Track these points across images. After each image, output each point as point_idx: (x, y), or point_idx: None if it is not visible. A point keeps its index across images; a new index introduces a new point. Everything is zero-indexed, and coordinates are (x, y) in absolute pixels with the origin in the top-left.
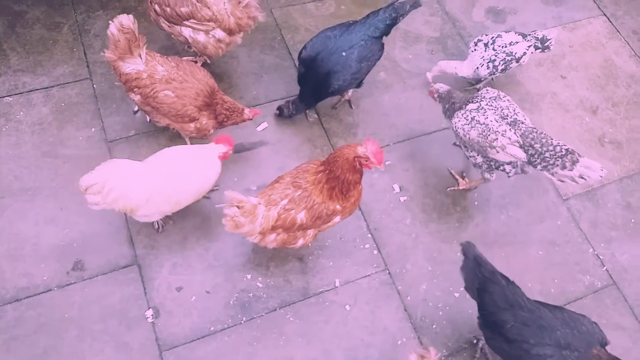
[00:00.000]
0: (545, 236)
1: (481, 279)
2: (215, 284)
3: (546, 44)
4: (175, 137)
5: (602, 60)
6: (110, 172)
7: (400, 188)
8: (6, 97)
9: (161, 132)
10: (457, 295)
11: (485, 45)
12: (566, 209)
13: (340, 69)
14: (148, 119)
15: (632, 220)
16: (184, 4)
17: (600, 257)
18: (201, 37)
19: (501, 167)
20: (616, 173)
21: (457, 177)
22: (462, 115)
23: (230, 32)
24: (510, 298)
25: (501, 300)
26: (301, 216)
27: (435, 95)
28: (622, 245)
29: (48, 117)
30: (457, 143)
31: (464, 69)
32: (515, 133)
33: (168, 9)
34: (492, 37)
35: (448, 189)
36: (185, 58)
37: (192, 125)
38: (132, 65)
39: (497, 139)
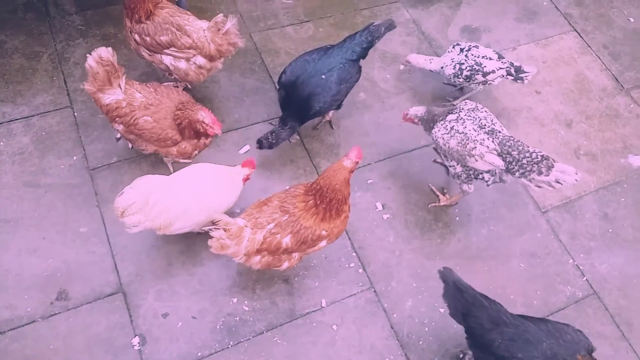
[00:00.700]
0: (526, 249)
1: (464, 304)
2: (201, 309)
3: (521, 75)
4: (157, 164)
5: (574, 74)
6: (149, 186)
7: (382, 206)
8: None
9: (143, 158)
10: (442, 310)
11: (461, 49)
12: (545, 221)
13: (320, 92)
14: (130, 146)
15: (610, 230)
16: (164, 32)
17: (580, 267)
18: (182, 65)
19: (480, 176)
20: (592, 184)
21: (437, 193)
22: (441, 125)
23: (211, 58)
24: (495, 317)
25: (486, 321)
26: (286, 240)
27: (416, 120)
28: (601, 255)
29: (29, 146)
30: (438, 161)
31: (433, 64)
32: (493, 141)
33: (148, 38)
34: (470, 46)
35: (429, 205)
36: (165, 83)
37: (174, 148)
38: (112, 96)
39: (475, 147)
